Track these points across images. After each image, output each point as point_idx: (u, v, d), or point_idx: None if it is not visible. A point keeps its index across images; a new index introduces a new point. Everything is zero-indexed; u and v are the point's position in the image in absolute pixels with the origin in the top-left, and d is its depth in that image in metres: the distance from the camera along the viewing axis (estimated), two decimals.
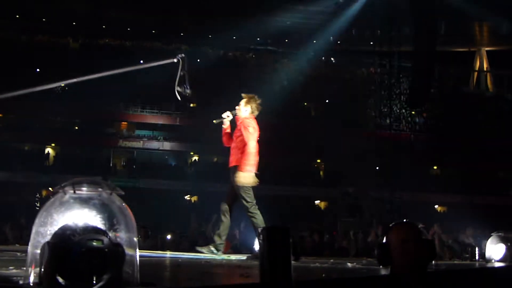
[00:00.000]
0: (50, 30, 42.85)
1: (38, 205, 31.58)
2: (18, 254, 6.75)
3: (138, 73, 36.73)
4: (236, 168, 7.88)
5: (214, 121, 8.32)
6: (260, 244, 3.22)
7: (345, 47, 43.40)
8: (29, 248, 3.05)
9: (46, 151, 39.11)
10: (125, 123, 41.84)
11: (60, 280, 2.80)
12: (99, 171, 33.80)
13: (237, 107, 8.04)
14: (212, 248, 8.08)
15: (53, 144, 39.23)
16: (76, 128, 40.20)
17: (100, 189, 3.12)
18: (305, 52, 41.87)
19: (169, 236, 17.02)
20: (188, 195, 38.49)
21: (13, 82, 36.24)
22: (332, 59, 46.05)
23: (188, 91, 6.23)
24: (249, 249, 12.86)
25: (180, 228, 18.49)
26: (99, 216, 3.05)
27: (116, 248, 2.89)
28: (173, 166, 39.95)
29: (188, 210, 27.11)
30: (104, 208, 3.07)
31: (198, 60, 44.07)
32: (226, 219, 8.18)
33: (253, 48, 45.57)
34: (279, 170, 36.87)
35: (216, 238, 8.18)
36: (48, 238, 2.95)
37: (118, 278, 2.89)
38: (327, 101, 43.59)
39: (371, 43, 43.23)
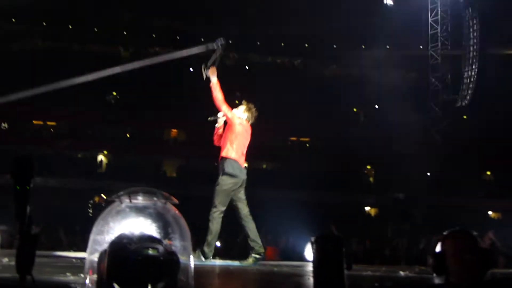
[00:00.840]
0: (102, 39, 43.63)
1: (91, 211, 32.17)
2: (74, 260, 6.90)
3: (190, 82, 37.06)
4: (224, 159, 8.14)
5: (209, 118, 8.71)
6: (313, 253, 3.22)
7: (395, 51, 42.91)
8: (87, 255, 3.11)
9: (98, 158, 39.77)
10: (175, 130, 42.24)
11: (117, 287, 2.85)
12: (150, 178, 34.18)
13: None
14: (255, 255, 8.25)
15: (105, 152, 39.89)
16: (128, 135, 40.79)
17: (155, 199, 3.17)
18: (354, 57, 41.59)
19: (218, 244, 17.11)
20: None
21: (66, 90, 37.07)
22: (380, 63, 45.58)
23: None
24: (299, 256, 12.85)
25: (230, 236, 18.56)
26: (154, 224, 3.09)
27: (171, 257, 2.92)
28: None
29: (237, 218, 27.27)
30: (159, 217, 3.11)
31: (247, 67, 44.32)
32: (250, 223, 8.37)
33: (301, 54, 45.40)
34: (329, 177, 36.64)
35: (253, 244, 8.31)
36: (105, 246, 3.00)
37: (173, 285, 2.92)
38: (376, 106, 43.14)
39: (421, 47, 42.82)
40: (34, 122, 41.29)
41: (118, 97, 41.80)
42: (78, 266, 5.77)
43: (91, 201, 34.32)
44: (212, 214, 8.22)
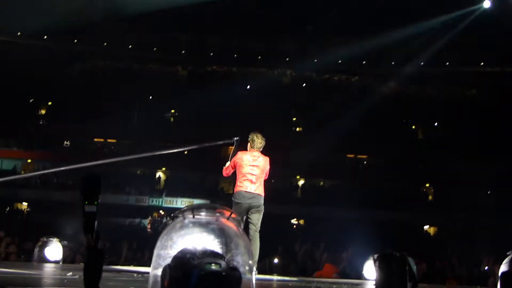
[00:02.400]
0: (161, 58, 44.44)
1: (149, 227, 32.62)
2: (135, 275, 7.01)
3: (245, 101, 37.31)
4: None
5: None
6: (376, 271, 3.19)
7: (453, 67, 42.30)
8: (151, 270, 3.16)
9: (157, 175, 40.37)
10: (232, 147, 42.57)
11: None
12: (208, 195, 34.47)
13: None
14: None
15: (163, 168, 40.48)
16: (186, 152, 41.31)
17: (218, 214, 3.21)
18: (410, 73, 41.17)
19: (276, 260, 17.10)
20: (295, 219, 38.51)
21: (125, 109, 37.88)
22: (438, 80, 44.90)
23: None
24: (357, 274, 12.71)
25: (287, 252, 18.53)
26: (216, 240, 3.12)
27: (233, 272, 2.95)
28: (279, 189, 40.11)
29: (295, 234, 27.13)
30: (221, 233, 3.14)
31: (304, 85, 44.34)
32: (254, 242, 8.61)
33: (357, 71, 45.18)
34: (387, 195, 36.21)
35: None
36: (168, 260, 3.04)
37: None
38: (435, 124, 42.51)
39: (481, 63, 42.08)
40: (95, 139, 42.29)
41: (176, 114, 42.43)
42: (139, 281, 5.87)
43: (150, 218, 34.83)
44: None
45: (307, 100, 39.80)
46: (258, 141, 9.36)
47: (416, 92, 44.11)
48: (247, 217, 8.81)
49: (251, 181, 8.99)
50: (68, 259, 12.75)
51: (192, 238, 3.16)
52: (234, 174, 9.33)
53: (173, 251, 3.10)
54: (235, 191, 9.14)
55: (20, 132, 38.97)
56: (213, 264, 2.94)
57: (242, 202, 8.87)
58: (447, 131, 39.19)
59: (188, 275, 2.91)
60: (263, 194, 9.06)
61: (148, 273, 7.20)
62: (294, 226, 37.36)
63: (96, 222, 2.56)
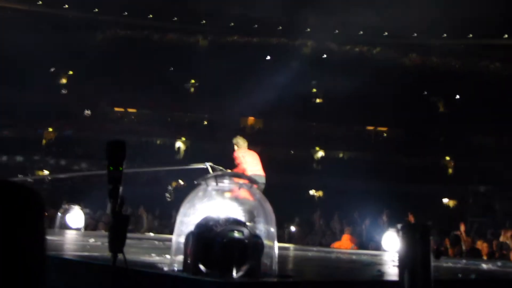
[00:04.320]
0: (181, 28, 44.34)
1: (169, 196, 32.81)
2: (156, 242, 7.07)
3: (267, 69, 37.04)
4: None
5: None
6: (400, 241, 3.18)
7: (476, 39, 41.74)
8: (174, 237, 3.18)
9: (176, 145, 40.50)
10: (252, 118, 42.52)
11: (203, 268, 2.90)
12: (228, 165, 34.61)
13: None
14: None
15: (183, 138, 40.59)
16: (205, 123, 41.38)
17: (240, 183, 3.21)
18: (432, 45, 40.69)
19: (294, 229, 17.17)
20: (313, 190, 38.52)
21: (147, 79, 37.92)
22: (462, 52, 44.31)
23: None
24: (375, 245, 12.73)
25: (305, 223, 18.57)
26: (239, 208, 3.13)
27: (255, 240, 2.95)
28: (298, 160, 40.08)
29: (313, 205, 27.15)
30: (244, 201, 3.15)
31: (324, 56, 44.02)
32: None
33: (379, 43, 44.73)
34: (406, 167, 36.08)
35: None
36: (191, 228, 3.06)
37: (257, 268, 2.95)
38: (457, 96, 42.06)
39: (505, 36, 41.46)
40: (116, 109, 42.44)
41: (196, 84, 42.42)
42: (161, 248, 5.93)
43: (169, 187, 34.97)
44: None
45: (328, 71, 39.51)
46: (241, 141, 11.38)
47: (438, 64, 43.59)
48: None
49: (256, 171, 10.66)
50: (90, 226, 12.89)
51: (214, 206, 3.17)
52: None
53: (196, 219, 3.11)
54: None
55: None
56: (235, 232, 2.95)
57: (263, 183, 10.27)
58: (468, 104, 38.78)
59: (211, 242, 2.93)
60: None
61: (169, 240, 7.27)
62: (314, 197, 37.41)
63: (121, 188, 2.56)
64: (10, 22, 38.12)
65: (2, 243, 1.61)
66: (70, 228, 10.74)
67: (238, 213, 3.13)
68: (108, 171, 2.52)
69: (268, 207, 3.18)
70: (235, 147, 11.37)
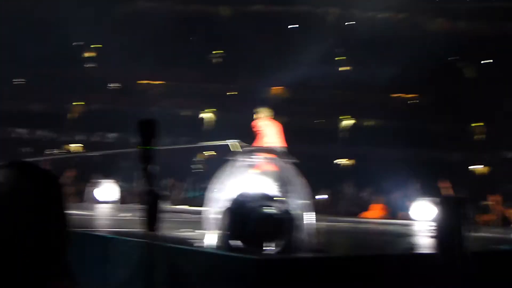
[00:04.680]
0: None
1: (195, 167, 33.03)
2: (190, 215, 7.11)
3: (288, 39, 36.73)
4: None
5: None
6: (437, 213, 3.16)
7: (505, 2, 40.83)
8: (207, 212, 3.20)
9: (203, 117, 40.60)
10: (278, 88, 42.42)
11: (239, 243, 2.92)
12: (253, 136, 34.54)
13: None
14: None
15: (209, 110, 40.65)
16: (231, 94, 41.35)
17: (272, 158, 3.20)
18: (462, 9, 39.94)
19: (323, 198, 17.20)
20: (342, 159, 38.49)
21: (171, 51, 37.90)
22: (491, 15, 43.43)
23: None
24: (405, 215, 12.69)
25: (334, 192, 18.59)
26: (272, 183, 3.14)
27: (289, 215, 2.96)
28: (326, 129, 39.92)
29: (341, 174, 27.18)
30: (276, 175, 3.16)
31: (350, 23, 43.49)
32: None
33: (405, 8, 44.03)
34: (435, 134, 35.81)
35: None
36: (222, 203, 3.08)
37: (291, 242, 2.97)
38: (482, 62, 41.38)
39: None
40: (140, 82, 42.59)
41: (221, 55, 42.32)
42: (191, 222, 5.98)
43: (195, 159, 35.17)
44: None
45: (353, 38, 39.07)
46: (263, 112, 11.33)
47: (466, 29, 42.82)
48: None
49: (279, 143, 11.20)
50: (121, 199, 13.04)
51: (247, 182, 3.18)
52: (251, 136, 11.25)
53: (227, 194, 3.12)
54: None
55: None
56: (270, 208, 2.96)
57: None
58: (497, 68, 38.15)
59: (246, 218, 2.94)
60: None
61: (199, 213, 7.31)
62: (343, 167, 37.36)
63: (153, 167, 2.57)
64: None
65: (29, 219, 1.74)
66: (101, 202, 10.87)
67: (271, 188, 3.13)
68: (140, 150, 2.53)
69: (302, 181, 3.17)
70: (257, 116, 11.20)
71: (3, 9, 36.05)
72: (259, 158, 2.79)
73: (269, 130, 10.86)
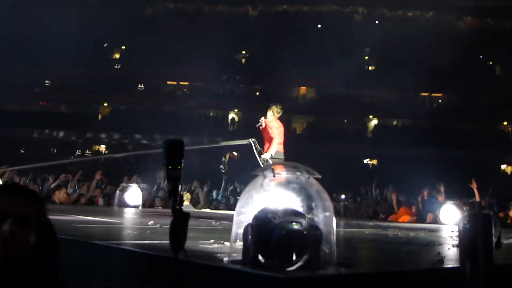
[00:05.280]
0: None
1: (223, 168, 33.07)
2: (213, 222, 7.14)
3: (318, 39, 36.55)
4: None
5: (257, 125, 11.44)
6: (462, 229, 3.13)
7: None
8: (233, 227, 3.21)
9: (229, 117, 40.70)
10: (304, 88, 42.35)
11: (262, 259, 2.92)
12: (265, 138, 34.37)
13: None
14: None
15: (235, 110, 40.75)
16: (257, 94, 41.38)
17: (298, 173, 3.20)
18: (487, 6, 39.49)
19: (347, 200, 17.08)
20: (368, 159, 38.28)
21: (199, 51, 38.03)
22: None
23: (267, 161, 10.55)
24: (433, 218, 12.55)
25: (359, 193, 18.43)
26: (297, 198, 3.13)
27: (314, 231, 2.96)
28: (351, 129, 39.76)
29: (367, 175, 26.94)
30: (302, 191, 3.15)
31: (377, 22, 43.24)
32: None
33: (433, 6, 43.62)
34: (462, 134, 35.46)
35: None
36: (248, 218, 3.08)
37: (316, 258, 2.96)
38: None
39: None
40: (168, 82, 42.85)
41: (247, 55, 42.38)
42: (218, 231, 5.99)
43: (223, 159, 35.22)
44: None
45: (379, 37, 38.83)
46: (277, 110, 11.39)
47: (493, 27, 42.32)
48: None
49: (281, 144, 11.16)
50: (147, 203, 13.12)
51: (272, 197, 3.18)
52: (260, 137, 11.35)
53: (253, 209, 3.13)
54: (274, 151, 10.96)
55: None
56: (294, 223, 2.96)
57: (282, 159, 10.91)
58: None
59: (269, 234, 2.94)
60: None
61: (225, 218, 7.33)
62: (369, 167, 37.16)
63: (180, 186, 2.60)
64: None
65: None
66: (129, 206, 10.95)
67: (296, 204, 3.13)
68: (167, 170, 2.55)
69: (325, 195, 3.18)
70: (269, 114, 11.39)
71: (33, 12, 36.58)
72: (284, 173, 2.83)
73: (280, 131, 11.13)
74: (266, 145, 11.20)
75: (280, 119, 11.61)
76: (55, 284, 2.15)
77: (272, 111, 11.39)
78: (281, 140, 11.16)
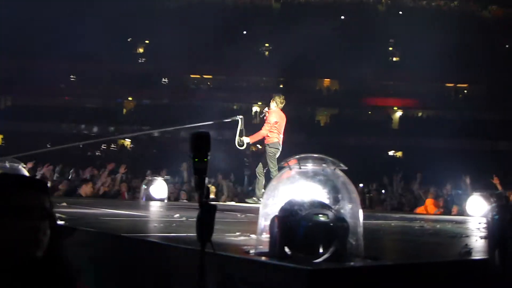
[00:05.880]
0: None
1: (247, 161, 33.12)
2: (238, 215, 7.15)
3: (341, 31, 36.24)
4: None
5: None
6: (490, 221, 3.10)
7: None
8: (259, 219, 3.21)
9: (253, 110, 40.71)
10: (328, 80, 42.18)
11: (288, 251, 2.92)
12: (304, 128, 34.40)
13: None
14: (255, 199, 11.30)
15: (259, 103, 40.74)
16: (281, 86, 41.32)
17: (324, 165, 3.19)
18: None
19: (373, 192, 17.01)
20: (393, 151, 38.06)
21: (221, 43, 38.08)
22: None
23: (243, 142, 11.06)
24: (460, 209, 12.45)
25: (384, 185, 18.32)
26: (324, 190, 3.12)
27: (340, 223, 2.95)
28: (376, 121, 39.57)
29: (392, 166, 26.79)
30: (328, 183, 3.14)
31: (400, 12, 42.91)
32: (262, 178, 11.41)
33: None
34: (488, 124, 35.09)
35: (258, 193, 11.41)
36: (274, 210, 3.08)
37: (342, 250, 2.95)
38: None
39: None
40: (192, 76, 42.96)
41: (270, 47, 42.33)
42: (244, 223, 6.00)
43: (248, 152, 35.20)
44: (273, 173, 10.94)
45: (404, 28, 38.53)
46: (280, 101, 11.57)
47: None
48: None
49: (282, 134, 11.42)
50: (172, 196, 13.20)
51: (299, 189, 3.17)
52: (258, 128, 11.53)
53: (280, 201, 3.13)
54: (271, 141, 11.28)
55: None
56: (320, 215, 2.95)
57: (279, 149, 11.25)
58: None
59: (296, 226, 2.94)
60: None
61: (250, 211, 7.34)
62: (394, 158, 36.95)
63: (206, 179, 2.61)
64: None
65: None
66: (154, 199, 11.03)
67: (323, 196, 3.12)
68: (194, 162, 2.57)
69: (352, 187, 3.17)
70: (273, 105, 11.58)
71: (58, 8, 36.87)
72: (311, 165, 2.82)
73: (281, 124, 11.33)
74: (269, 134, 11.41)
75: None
76: (66, 275, 2.16)
77: (276, 102, 11.55)
78: (281, 132, 11.34)
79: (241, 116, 11.31)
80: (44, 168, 13.95)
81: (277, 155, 11.22)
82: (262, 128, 11.35)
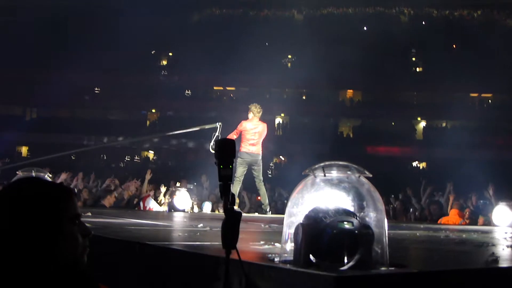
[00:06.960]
0: (276, 4, 44.36)
1: (270, 172, 33.14)
2: (262, 225, 7.15)
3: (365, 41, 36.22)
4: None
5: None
6: None
7: None
8: (284, 228, 3.22)
9: (276, 121, 40.73)
10: (351, 91, 42.06)
11: (313, 259, 2.92)
12: (327, 139, 34.36)
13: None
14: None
15: (282, 114, 40.77)
16: (304, 97, 41.33)
17: (349, 172, 3.19)
18: None
19: (396, 202, 16.87)
20: (416, 162, 37.79)
21: (244, 55, 38.18)
22: None
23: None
24: (485, 220, 12.32)
25: (408, 196, 18.18)
26: (348, 198, 3.11)
27: (365, 230, 2.94)
28: (400, 131, 39.35)
29: (416, 177, 26.62)
30: (353, 191, 3.13)
31: (423, 22, 42.72)
32: (261, 188, 11.96)
33: (483, 5, 42.89)
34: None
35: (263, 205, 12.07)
36: (299, 218, 3.08)
37: (367, 258, 2.94)
38: None
39: None
40: (215, 88, 43.15)
41: (293, 59, 42.37)
42: (268, 233, 6.01)
43: (271, 163, 35.26)
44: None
45: (427, 38, 38.35)
46: (257, 110, 11.64)
47: None
48: (252, 171, 11.70)
49: (253, 144, 11.49)
50: (195, 206, 13.25)
51: (323, 197, 3.17)
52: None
53: (304, 209, 3.13)
54: (240, 150, 11.50)
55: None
56: (345, 223, 2.94)
57: (245, 159, 11.53)
58: None
59: (320, 234, 2.94)
60: (261, 153, 11.70)
61: (274, 222, 7.34)
62: (418, 169, 36.68)
63: (231, 185, 2.62)
64: (112, 5, 39.28)
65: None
66: (178, 210, 11.08)
67: (347, 204, 3.12)
68: (219, 169, 2.59)
69: (377, 195, 3.16)
70: (250, 116, 11.71)
71: (81, 21, 37.34)
72: (335, 173, 2.82)
73: (251, 133, 11.47)
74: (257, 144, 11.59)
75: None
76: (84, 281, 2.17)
77: (252, 112, 11.65)
78: (254, 143, 11.49)
79: (220, 123, 11.32)
80: (75, 180, 14.14)
81: (243, 165, 11.50)
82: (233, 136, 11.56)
